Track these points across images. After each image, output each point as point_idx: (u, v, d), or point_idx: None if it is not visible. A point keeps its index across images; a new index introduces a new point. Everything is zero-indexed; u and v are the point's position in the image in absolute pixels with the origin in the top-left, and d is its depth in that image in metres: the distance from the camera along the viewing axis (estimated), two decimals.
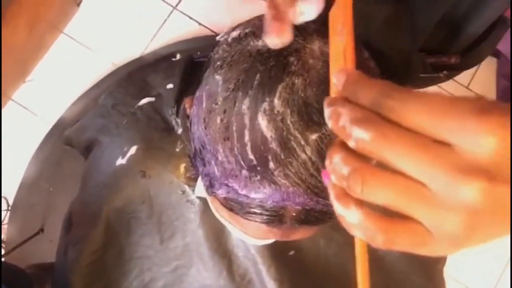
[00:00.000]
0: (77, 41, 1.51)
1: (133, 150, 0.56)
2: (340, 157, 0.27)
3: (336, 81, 0.29)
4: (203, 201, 0.56)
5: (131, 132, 0.57)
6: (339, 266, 0.62)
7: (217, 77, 0.39)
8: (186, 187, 0.56)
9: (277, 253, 0.58)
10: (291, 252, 0.60)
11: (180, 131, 0.56)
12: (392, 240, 0.27)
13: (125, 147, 0.56)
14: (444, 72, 0.67)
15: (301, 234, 0.43)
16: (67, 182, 1.42)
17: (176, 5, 1.54)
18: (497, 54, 1.53)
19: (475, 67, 1.59)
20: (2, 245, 1.40)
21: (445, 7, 0.58)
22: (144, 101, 0.59)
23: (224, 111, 0.37)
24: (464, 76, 1.61)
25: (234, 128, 0.37)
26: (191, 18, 1.53)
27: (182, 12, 1.54)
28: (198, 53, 1.51)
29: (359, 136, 0.25)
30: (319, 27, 0.39)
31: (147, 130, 0.57)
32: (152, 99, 0.59)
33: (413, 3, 0.58)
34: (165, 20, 1.53)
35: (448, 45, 0.66)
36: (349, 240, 0.62)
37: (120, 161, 0.56)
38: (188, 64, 0.60)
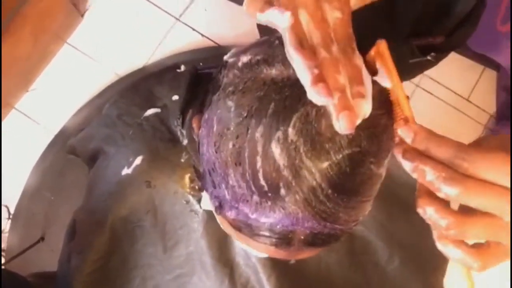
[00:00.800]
0: (80, 51, 1.53)
1: (138, 160, 0.56)
2: (434, 210, 0.36)
3: (403, 134, 0.38)
4: (207, 211, 0.57)
5: (137, 143, 0.58)
6: (340, 274, 0.63)
7: (229, 102, 0.40)
8: (190, 197, 0.57)
9: (277, 261, 0.59)
10: (292, 261, 0.61)
11: (185, 142, 0.57)
12: (485, 265, 0.36)
13: (130, 157, 0.57)
14: (432, 54, 0.68)
15: (307, 254, 0.45)
16: (69, 192, 1.43)
17: (179, 16, 1.56)
18: (497, 67, 1.55)
19: (475, 80, 1.61)
20: (3, 253, 1.40)
21: None
22: (150, 112, 0.60)
23: (237, 137, 0.38)
24: (464, 89, 1.63)
25: (246, 154, 0.38)
26: (194, 29, 1.55)
27: (185, 24, 1.55)
28: (201, 63, 1.53)
29: (448, 192, 0.34)
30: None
31: (152, 140, 0.57)
32: (158, 110, 0.60)
33: None
34: (168, 31, 1.55)
35: (434, 27, 0.67)
36: (350, 249, 0.63)
37: (126, 171, 0.57)
38: (193, 76, 0.61)
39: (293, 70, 0.38)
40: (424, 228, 0.69)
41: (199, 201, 0.57)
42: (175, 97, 0.59)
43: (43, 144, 1.46)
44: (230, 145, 0.39)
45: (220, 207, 0.43)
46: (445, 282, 0.72)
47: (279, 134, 0.37)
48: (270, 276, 0.58)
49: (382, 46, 0.41)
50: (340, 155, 0.38)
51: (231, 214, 0.42)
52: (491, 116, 1.61)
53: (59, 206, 1.44)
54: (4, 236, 1.43)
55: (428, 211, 0.36)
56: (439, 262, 0.71)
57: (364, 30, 0.43)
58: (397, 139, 0.40)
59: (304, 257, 0.46)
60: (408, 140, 0.38)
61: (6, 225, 1.43)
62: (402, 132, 0.38)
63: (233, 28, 1.55)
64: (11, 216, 1.43)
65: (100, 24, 1.55)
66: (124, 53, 1.53)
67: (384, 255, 0.64)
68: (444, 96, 1.61)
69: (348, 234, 0.45)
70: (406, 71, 0.79)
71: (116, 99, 0.63)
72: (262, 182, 0.38)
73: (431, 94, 1.62)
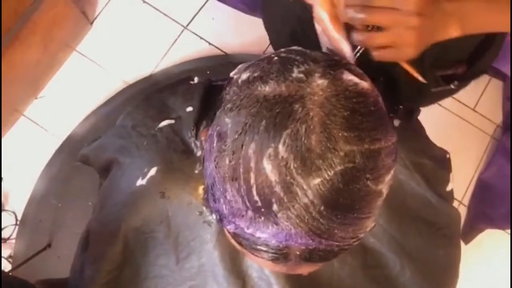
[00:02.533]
0: (89, 58, 1.54)
1: (153, 171, 0.57)
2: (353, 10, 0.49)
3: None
4: None
5: (151, 154, 0.58)
6: (352, 285, 0.63)
7: (227, 119, 0.41)
8: (204, 208, 0.57)
9: (291, 274, 0.59)
10: (305, 273, 0.61)
11: (199, 153, 0.57)
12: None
13: (145, 168, 0.57)
14: (455, 82, 0.69)
15: (306, 269, 0.45)
16: (76, 199, 1.44)
17: (187, 25, 1.57)
18: (503, 77, 1.55)
19: (481, 90, 1.61)
20: (10, 260, 1.40)
21: None
22: (164, 123, 0.60)
23: (233, 153, 0.39)
24: (470, 99, 1.63)
25: (241, 170, 0.39)
26: (201, 37, 1.56)
27: (192, 32, 1.57)
28: (208, 72, 1.54)
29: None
30: (324, 71, 0.41)
31: (167, 152, 0.58)
32: (172, 121, 0.60)
33: None
34: (176, 39, 1.56)
35: (455, 57, 0.68)
36: (362, 262, 0.63)
37: (140, 182, 0.57)
38: (206, 88, 0.61)
39: (285, 86, 0.40)
40: (433, 240, 0.70)
41: (211, 212, 0.57)
42: (189, 109, 0.59)
43: (51, 150, 1.47)
44: (227, 161, 0.40)
45: (220, 221, 0.44)
46: None
47: (270, 151, 0.37)
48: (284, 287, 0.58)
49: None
50: (332, 172, 0.37)
51: (230, 228, 0.43)
52: (497, 126, 1.61)
53: (65, 213, 1.44)
54: (11, 242, 1.43)
55: (349, 12, 0.50)
56: (450, 274, 0.71)
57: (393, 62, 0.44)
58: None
59: (305, 271, 0.46)
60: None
61: (14, 231, 1.44)
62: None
63: (240, 36, 1.56)
64: (18, 223, 1.43)
65: (109, 32, 1.56)
66: (131, 61, 1.54)
67: (395, 267, 0.64)
68: (450, 106, 1.62)
69: (357, 246, 0.45)
70: (428, 99, 0.80)
71: (131, 110, 0.64)
72: (256, 198, 0.38)
73: (437, 104, 1.62)
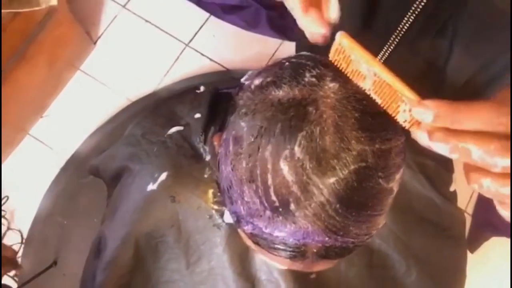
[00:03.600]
0: (92, 77, 1.57)
1: (163, 176, 0.58)
2: (490, 180, 0.31)
3: (419, 115, 0.34)
4: (229, 225, 0.58)
5: (161, 159, 0.60)
6: (358, 285, 0.64)
7: (242, 123, 0.42)
8: (213, 212, 0.58)
9: (299, 276, 0.60)
10: (313, 275, 0.62)
11: (208, 158, 0.59)
12: None
13: (155, 173, 0.58)
14: None
15: (323, 266, 0.46)
16: (81, 216, 1.44)
17: (189, 43, 1.60)
18: None
19: None
20: (15, 278, 1.40)
21: (480, 66, 0.58)
22: (173, 130, 0.62)
23: (249, 156, 0.41)
24: None
25: (258, 172, 0.40)
26: (202, 54, 1.59)
27: (194, 49, 1.60)
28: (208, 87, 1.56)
29: (505, 164, 0.30)
30: (335, 74, 0.43)
31: (176, 157, 0.59)
32: (181, 128, 0.62)
33: (450, 55, 0.60)
34: (178, 56, 1.59)
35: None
36: (368, 263, 0.64)
37: (151, 186, 0.58)
38: (213, 95, 0.63)
39: (298, 90, 0.41)
40: (439, 241, 0.70)
41: (221, 215, 0.58)
42: (197, 115, 0.61)
43: (56, 168, 1.48)
44: (244, 164, 0.41)
45: (238, 222, 0.46)
46: None
47: (287, 152, 0.39)
48: None
49: (341, 37, 0.40)
50: (346, 171, 0.39)
51: (248, 228, 0.44)
52: None
53: (71, 230, 1.45)
54: (17, 261, 1.43)
55: (484, 184, 0.31)
56: (456, 275, 0.71)
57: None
58: (407, 124, 0.38)
59: (321, 269, 0.47)
60: (428, 119, 0.33)
61: (19, 249, 1.44)
62: (418, 113, 0.34)
63: (240, 52, 1.59)
64: (24, 241, 1.44)
65: (112, 51, 1.59)
66: (135, 79, 1.56)
67: (401, 268, 0.65)
68: None
69: (363, 247, 0.46)
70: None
71: (139, 120, 0.65)
72: (274, 198, 0.40)
73: None
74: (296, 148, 0.39)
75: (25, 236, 1.44)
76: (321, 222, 0.40)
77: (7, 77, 1.26)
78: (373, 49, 0.40)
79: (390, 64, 0.40)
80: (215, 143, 0.49)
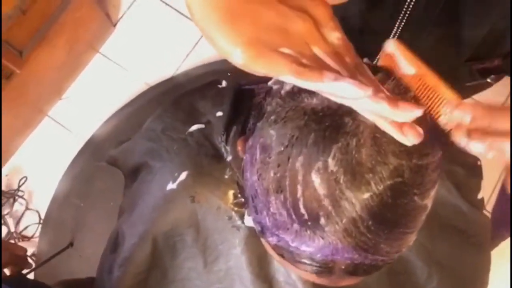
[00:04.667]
0: (111, 60, 1.56)
1: (183, 175, 0.57)
2: None
3: (459, 116, 0.37)
4: (249, 227, 0.57)
5: (182, 158, 0.58)
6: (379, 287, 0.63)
7: (271, 131, 0.40)
8: (233, 213, 0.57)
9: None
10: None
11: (229, 158, 0.57)
12: None
13: (175, 172, 0.57)
14: (492, 76, 0.68)
15: (349, 282, 0.44)
16: (98, 199, 1.45)
17: None
18: None
19: (508, 92, 1.57)
20: (33, 258, 1.42)
21: (493, 21, 0.59)
22: (194, 127, 0.60)
23: (278, 165, 0.39)
24: (498, 96, 1.60)
25: (287, 182, 0.38)
26: None
27: None
28: (229, 74, 1.54)
29: None
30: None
31: (197, 156, 0.58)
32: (202, 126, 0.60)
33: (462, 18, 0.59)
34: (198, 41, 1.57)
35: (492, 52, 0.67)
36: (389, 268, 0.62)
37: (171, 186, 0.57)
38: (236, 92, 0.61)
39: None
40: (463, 248, 0.68)
41: (241, 217, 0.57)
42: (219, 113, 0.59)
43: (74, 151, 1.49)
44: (272, 173, 0.39)
45: (262, 233, 0.44)
46: None
47: (319, 164, 0.37)
48: None
49: (392, 45, 0.40)
50: (382, 186, 0.37)
51: (272, 240, 0.43)
52: None
53: (88, 212, 1.46)
54: (34, 241, 1.46)
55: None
56: (478, 283, 0.69)
57: (428, 54, 0.43)
58: (448, 124, 0.39)
59: (347, 284, 0.45)
60: (466, 119, 0.37)
61: (37, 230, 1.46)
62: (459, 113, 0.37)
63: None
64: (41, 221, 1.46)
65: (131, 34, 1.58)
66: (153, 63, 1.55)
67: (423, 274, 0.64)
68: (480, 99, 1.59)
69: (396, 261, 0.45)
70: (462, 93, 0.78)
71: (160, 114, 0.64)
72: (302, 211, 0.38)
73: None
74: (330, 160, 0.37)
75: (42, 216, 1.46)
76: (351, 239, 0.38)
77: (27, 59, 1.26)
78: (383, 27, 0.39)
79: (403, 41, 0.41)
80: (239, 148, 0.48)
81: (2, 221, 1.45)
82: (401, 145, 0.38)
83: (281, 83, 0.43)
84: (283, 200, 0.39)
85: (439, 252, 0.64)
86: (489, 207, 1.50)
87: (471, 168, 0.66)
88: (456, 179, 0.63)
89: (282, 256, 0.43)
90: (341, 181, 0.37)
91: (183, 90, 0.68)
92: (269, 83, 0.45)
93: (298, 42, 0.36)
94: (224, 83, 0.66)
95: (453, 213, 0.64)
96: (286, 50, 0.36)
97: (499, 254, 1.40)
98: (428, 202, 0.41)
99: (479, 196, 0.67)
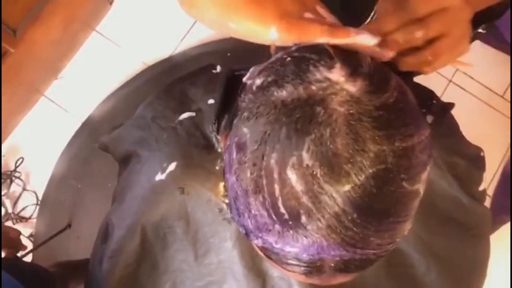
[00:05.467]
0: (108, 39, 1.52)
1: (172, 166, 0.55)
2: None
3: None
4: None
5: (171, 148, 0.56)
6: (375, 284, 0.61)
7: (245, 129, 0.39)
8: (224, 205, 0.55)
9: None
10: None
11: (220, 148, 0.55)
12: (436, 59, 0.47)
13: (164, 163, 0.56)
14: (483, 25, 0.66)
15: (342, 279, 0.42)
16: (95, 180, 1.44)
17: None
18: None
19: (508, 77, 1.54)
20: (31, 239, 1.43)
21: None
22: (185, 115, 0.58)
23: (254, 165, 0.37)
24: (499, 85, 1.57)
25: (264, 182, 0.37)
26: None
27: None
28: (228, 54, 1.51)
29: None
30: (343, 67, 0.38)
31: (187, 146, 0.56)
32: (193, 114, 0.58)
33: None
34: (196, 21, 1.53)
35: None
36: (386, 261, 0.61)
37: (160, 176, 0.55)
38: (229, 79, 0.59)
39: (303, 88, 0.37)
40: (462, 240, 0.67)
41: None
42: (211, 101, 0.57)
43: (71, 131, 1.47)
44: (248, 174, 0.38)
45: (246, 235, 0.42)
46: None
47: (294, 159, 0.35)
48: None
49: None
50: (363, 176, 0.35)
51: (257, 242, 0.41)
52: None
53: (85, 194, 1.45)
54: (32, 222, 1.45)
55: (402, 36, 0.45)
56: (477, 275, 0.68)
57: None
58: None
59: (341, 281, 0.44)
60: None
61: (34, 211, 1.46)
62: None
63: None
64: (39, 202, 1.45)
65: (128, 12, 1.54)
66: (151, 42, 1.52)
67: (421, 267, 0.62)
68: (477, 92, 1.56)
69: (385, 256, 0.43)
70: None
71: (151, 100, 0.62)
72: (282, 210, 0.36)
73: (464, 90, 1.56)
74: (304, 154, 0.35)
75: (40, 198, 1.46)
76: (336, 235, 0.36)
77: (22, 37, 1.22)
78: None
79: None
80: (222, 145, 0.45)
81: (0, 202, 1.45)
82: (380, 129, 0.36)
83: (253, 78, 0.41)
84: (262, 200, 0.37)
85: (437, 245, 0.63)
86: (490, 191, 1.49)
87: (474, 159, 0.64)
88: (457, 171, 0.61)
89: (269, 258, 0.42)
90: (318, 175, 0.35)
91: (180, 70, 0.66)
92: (244, 79, 0.43)
93: (309, 5, 0.41)
94: (218, 68, 0.63)
95: (453, 205, 0.62)
96: (308, 15, 0.41)
97: (497, 242, 1.39)
98: (420, 187, 0.39)
99: (481, 188, 0.65)
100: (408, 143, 0.37)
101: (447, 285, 0.64)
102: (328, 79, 0.37)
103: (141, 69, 1.51)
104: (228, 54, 1.49)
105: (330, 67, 0.38)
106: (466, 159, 0.62)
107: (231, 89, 0.58)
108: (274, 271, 0.57)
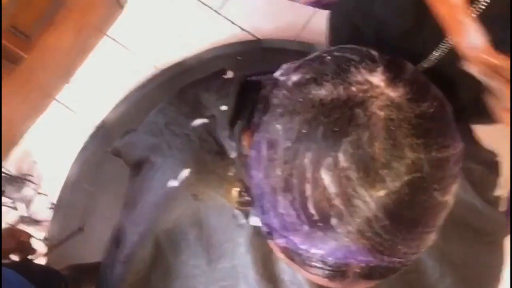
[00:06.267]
0: (119, 43, 1.53)
1: (186, 173, 0.55)
2: None
3: None
4: (253, 226, 0.55)
5: (184, 154, 0.56)
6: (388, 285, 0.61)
7: (278, 126, 0.38)
8: (237, 211, 0.55)
9: None
10: None
11: (233, 155, 0.55)
12: None
13: (178, 169, 0.55)
14: None
15: (363, 286, 0.42)
16: (108, 184, 1.46)
17: (219, 9, 1.54)
18: None
19: None
20: (45, 242, 1.44)
21: None
22: (198, 122, 0.58)
23: (285, 162, 0.36)
24: None
25: (295, 181, 0.36)
26: (233, 22, 1.53)
27: (224, 17, 1.53)
28: (239, 57, 1.51)
29: None
30: (384, 71, 0.38)
31: (200, 152, 0.56)
32: (206, 120, 0.58)
33: None
34: (208, 24, 1.53)
35: None
36: None
37: (173, 183, 0.55)
38: (242, 85, 0.59)
39: (343, 89, 0.36)
40: (477, 247, 0.66)
41: (246, 215, 0.55)
42: (223, 107, 0.57)
43: (84, 135, 1.49)
44: (279, 171, 0.37)
45: (270, 234, 0.41)
46: None
47: (329, 160, 0.34)
48: None
49: None
50: (398, 182, 0.34)
51: (281, 242, 0.40)
52: None
53: (98, 198, 1.47)
54: (45, 225, 1.47)
55: None
56: (491, 281, 0.67)
57: None
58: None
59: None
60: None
61: (47, 214, 1.47)
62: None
63: (273, 21, 1.52)
64: (52, 206, 1.47)
65: (139, 17, 1.55)
66: (163, 46, 1.53)
67: (435, 274, 0.61)
68: None
69: (409, 266, 0.42)
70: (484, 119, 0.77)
71: (163, 106, 0.62)
72: (312, 211, 0.36)
73: None
74: (341, 156, 0.34)
75: (54, 201, 1.47)
76: (366, 240, 0.36)
77: (35, 43, 1.24)
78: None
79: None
80: (245, 143, 0.45)
81: (13, 206, 1.46)
82: (419, 137, 0.35)
83: (288, 75, 0.41)
84: (291, 199, 0.36)
85: (452, 251, 0.62)
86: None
87: (488, 164, 0.63)
88: (472, 177, 0.60)
89: (291, 259, 0.41)
90: (353, 178, 0.34)
91: (192, 74, 0.66)
92: (275, 74, 0.42)
93: None
94: (229, 74, 0.63)
95: (468, 211, 0.61)
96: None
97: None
98: (449, 198, 0.39)
99: (496, 193, 0.64)
100: (444, 154, 0.37)
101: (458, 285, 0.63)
102: (369, 82, 0.37)
103: (153, 73, 1.52)
104: (240, 57, 1.50)
105: (371, 70, 0.37)
106: (481, 164, 0.61)
107: (244, 95, 0.58)
108: (285, 275, 0.57)
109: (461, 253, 0.63)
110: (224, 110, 0.57)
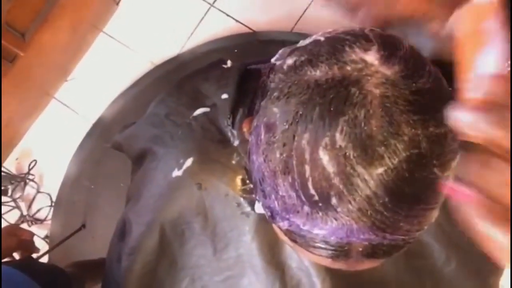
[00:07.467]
0: (116, 39, 1.53)
1: (189, 162, 0.55)
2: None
3: None
4: (258, 214, 0.56)
5: (187, 144, 0.56)
6: (395, 277, 0.61)
7: (275, 109, 0.38)
8: (242, 199, 0.55)
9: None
10: None
11: (236, 143, 0.55)
12: None
13: (181, 159, 0.55)
14: None
15: (368, 265, 0.42)
16: (108, 180, 1.45)
17: (213, 3, 1.53)
18: None
19: None
20: (47, 240, 1.44)
21: None
22: (199, 111, 0.58)
23: (284, 145, 0.37)
24: None
25: (294, 163, 0.36)
26: (228, 15, 1.52)
27: (219, 9, 1.53)
28: (236, 50, 1.50)
29: None
30: (379, 49, 0.37)
31: (202, 141, 0.56)
32: (207, 109, 0.58)
33: None
34: (202, 18, 1.53)
35: None
36: (405, 251, 0.61)
37: (176, 173, 0.55)
38: (241, 73, 0.58)
39: (338, 68, 0.36)
40: None
41: (250, 203, 0.55)
42: (224, 96, 0.57)
43: (82, 132, 1.48)
44: (278, 154, 0.37)
45: (272, 218, 0.42)
46: (502, 285, 0.69)
47: (326, 140, 0.35)
48: (324, 279, 0.56)
49: None
50: (396, 159, 0.34)
51: (283, 225, 0.40)
52: None
53: (98, 194, 1.46)
54: (47, 223, 1.47)
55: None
56: (496, 265, 0.68)
57: None
58: None
59: (366, 267, 0.43)
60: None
61: (49, 212, 1.47)
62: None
63: (267, 13, 1.51)
64: (53, 204, 1.46)
65: (135, 12, 1.54)
66: (158, 41, 1.52)
67: (440, 257, 0.62)
68: None
69: (413, 243, 0.42)
70: None
71: (163, 98, 0.62)
72: (312, 192, 0.36)
73: None
74: (338, 135, 0.34)
75: (54, 199, 1.47)
76: (367, 218, 0.36)
77: (30, 41, 1.24)
78: None
79: None
80: (245, 129, 0.45)
81: (15, 205, 1.46)
82: (415, 113, 0.35)
83: (284, 58, 0.41)
84: (291, 181, 0.37)
85: (457, 234, 0.62)
86: None
87: None
88: None
89: (295, 241, 0.41)
90: (351, 156, 0.34)
91: (188, 68, 0.66)
92: (272, 59, 0.42)
93: None
94: (229, 63, 0.63)
95: None
96: None
97: None
98: (450, 175, 0.38)
99: None
100: (442, 130, 0.36)
101: (466, 275, 0.63)
102: (364, 61, 0.37)
103: (149, 68, 1.51)
104: (236, 50, 1.49)
105: (366, 49, 0.37)
106: None
107: (244, 83, 0.58)
108: (292, 261, 0.57)
109: (465, 236, 0.63)
110: (225, 98, 0.56)
